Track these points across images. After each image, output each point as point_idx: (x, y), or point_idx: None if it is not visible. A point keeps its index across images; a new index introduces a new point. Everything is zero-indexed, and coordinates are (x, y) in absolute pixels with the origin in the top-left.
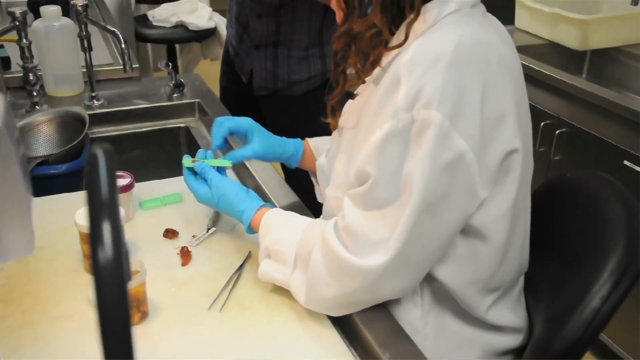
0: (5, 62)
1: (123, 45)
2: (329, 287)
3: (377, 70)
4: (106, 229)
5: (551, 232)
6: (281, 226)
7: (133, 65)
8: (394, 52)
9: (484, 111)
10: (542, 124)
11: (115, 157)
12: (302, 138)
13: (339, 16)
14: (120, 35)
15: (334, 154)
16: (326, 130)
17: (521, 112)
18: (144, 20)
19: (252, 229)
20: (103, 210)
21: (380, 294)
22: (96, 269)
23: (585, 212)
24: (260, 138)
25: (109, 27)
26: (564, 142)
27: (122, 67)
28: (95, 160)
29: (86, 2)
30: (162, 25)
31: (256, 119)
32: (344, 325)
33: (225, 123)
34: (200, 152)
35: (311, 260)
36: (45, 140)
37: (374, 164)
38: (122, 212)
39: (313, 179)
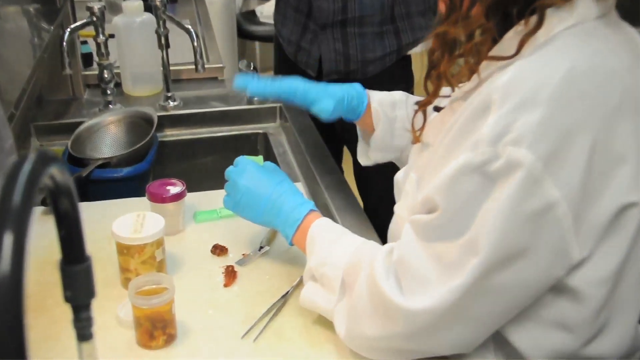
0: (88, 59)
1: (195, 44)
2: (371, 324)
3: (470, 84)
4: (7, 240)
5: None
6: (328, 245)
7: (205, 65)
8: (496, 65)
9: (593, 157)
10: None
11: (56, 167)
12: None
13: (441, 8)
14: (193, 34)
15: (409, 171)
16: None
17: None
18: (251, 16)
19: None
20: (9, 219)
21: (425, 345)
22: None
23: None
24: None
25: (183, 24)
26: None
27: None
28: (20, 164)
29: None
30: (271, 22)
31: None
32: None
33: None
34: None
35: (355, 290)
36: (112, 141)
37: (443, 196)
38: (162, 222)
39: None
